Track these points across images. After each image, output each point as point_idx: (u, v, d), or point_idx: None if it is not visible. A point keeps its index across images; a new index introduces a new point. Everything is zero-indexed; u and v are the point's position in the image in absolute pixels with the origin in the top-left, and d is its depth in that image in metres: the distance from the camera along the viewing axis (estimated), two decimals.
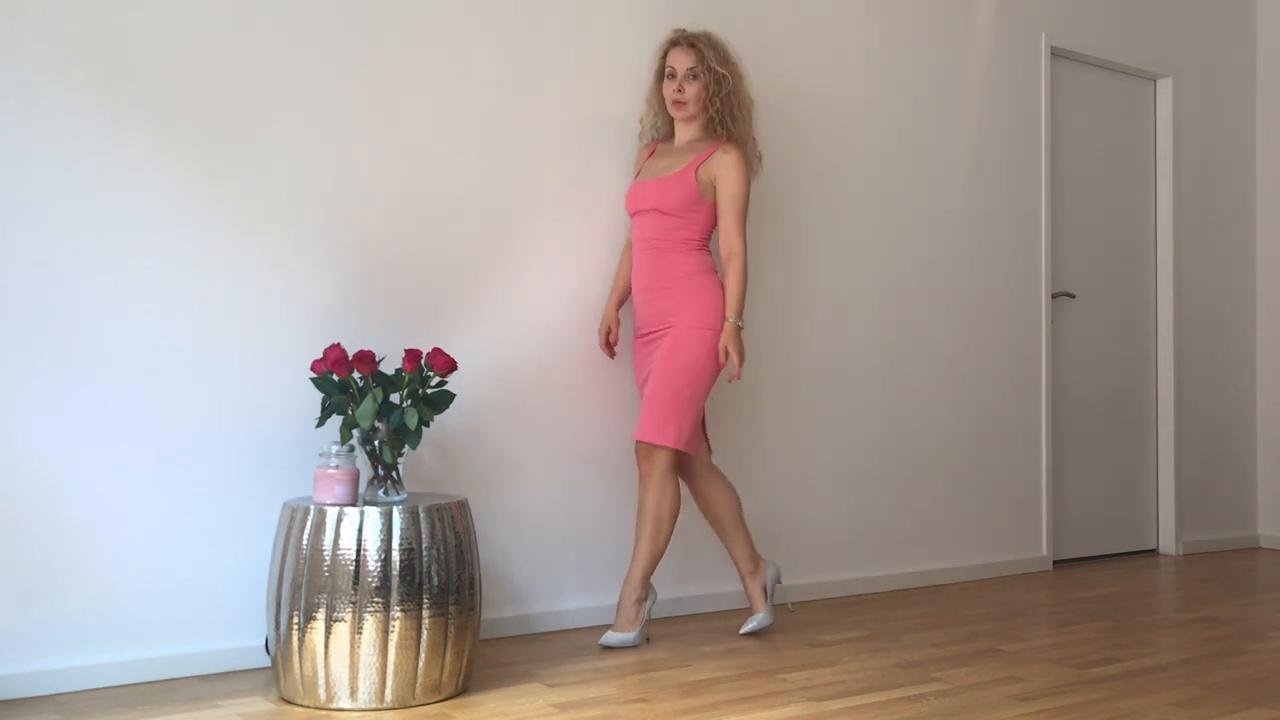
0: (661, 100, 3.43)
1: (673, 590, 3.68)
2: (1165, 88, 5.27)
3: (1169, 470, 5.20)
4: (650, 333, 3.36)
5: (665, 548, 3.31)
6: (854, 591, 4.10)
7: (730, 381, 3.35)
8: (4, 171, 2.70)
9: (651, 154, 3.49)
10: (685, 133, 3.43)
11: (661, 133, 3.52)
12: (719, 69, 3.34)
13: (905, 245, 4.32)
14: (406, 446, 2.78)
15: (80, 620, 2.76)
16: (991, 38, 4.61)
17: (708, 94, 3.34)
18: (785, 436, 3.97)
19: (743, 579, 3.46)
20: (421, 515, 2.65)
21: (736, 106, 3.38)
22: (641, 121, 3.56)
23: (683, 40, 3.37)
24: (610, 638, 3.22)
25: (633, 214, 3.43)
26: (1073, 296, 4.94)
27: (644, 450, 3.26)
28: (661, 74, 3.42)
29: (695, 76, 3.33)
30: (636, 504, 3.35)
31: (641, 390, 3.38)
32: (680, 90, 3.34)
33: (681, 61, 3.34)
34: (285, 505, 2.71)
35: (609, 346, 3.51)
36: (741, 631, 3.38)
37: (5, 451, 2.69)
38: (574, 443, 3.51)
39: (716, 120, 3.37)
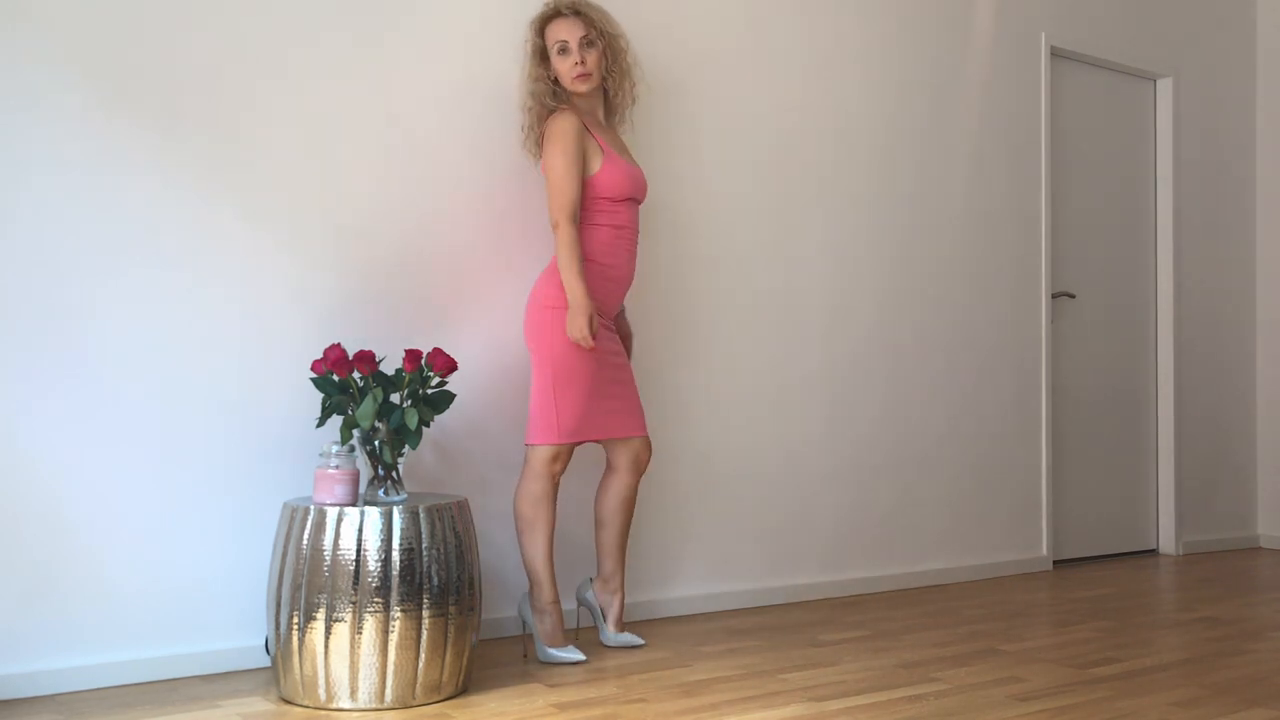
0: (549, 80, 3.17)
1: (673, 590, 3.68)
2: (1165, 88, 5.28)
3: (1169, 470, 5.21)
4: (608, 320, 3.18)
5: None
6: (854, 591, 4.10)
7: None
8: (4, 172, 2.70)
9: (588, 128, 3.16)
10: (585, 106, 3.22)
11: (548, 110, 3.19)
12: (611, 32, 3.21)
13: (905, 245, 4.32)
14: (406, 446, 2.78)
15: (80, 620, 2.76)
16: (991, 38, 4.61)
17: (607, 60, 3.20)
18: (785, 436, 3.97)
19: (602, 586, 3.25)
20: (421, 515, 2.65)
21: (628, 74, 3.28)
22: (526, 122, 3.22)
23: (565, 10, 3.17)
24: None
25: (626, 200, 3.17)
26: (1073, 296, 4.94)
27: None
28: (543, 53, 3.17)
29: (591, 44, 3.15)
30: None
31: (601, 376, 3.10)
32: (581, 61, 3.12)
33: (572, 31, 3.13)
34: (285, 505, 2.71)
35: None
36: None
37: (5, 451, 2.69)
38: None
39: (613, 91, 3.26)
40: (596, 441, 3.16)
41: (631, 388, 3.21)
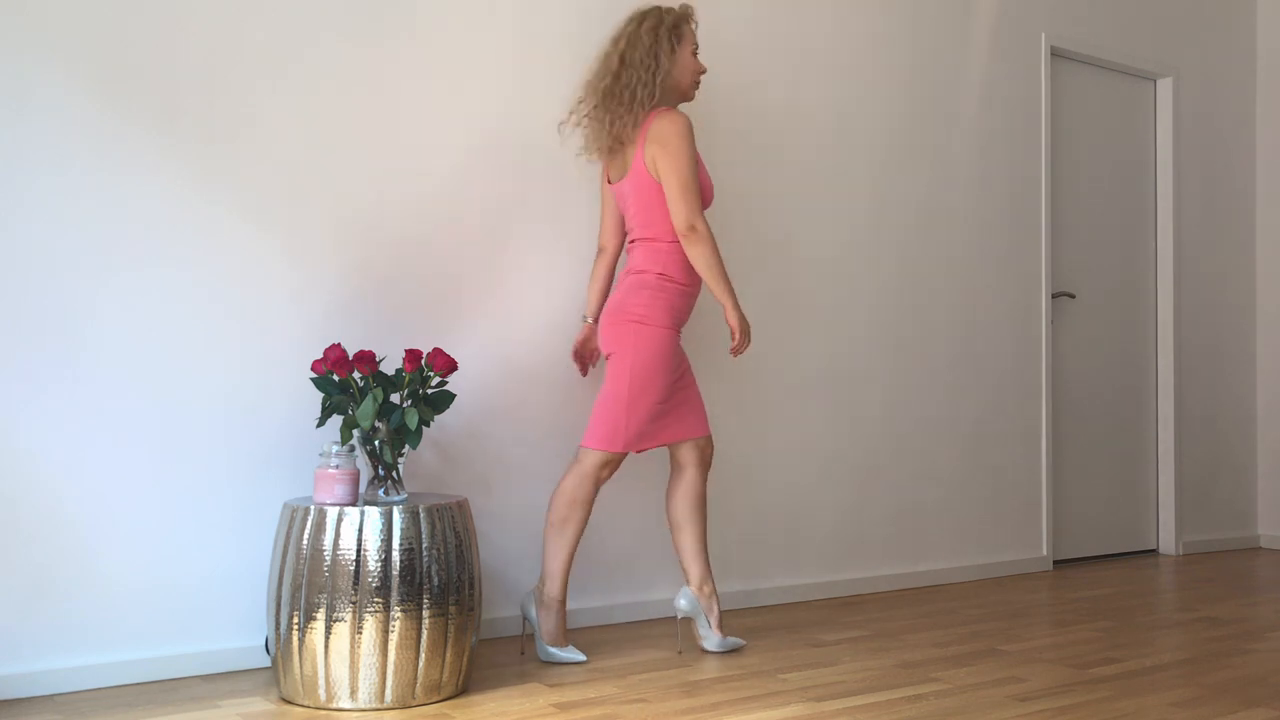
0: (675, 76, 3.15)
1: (672, 590, 3.68)
2: (1165, 88, 5.28)
3: (1169, 470, 5.21)
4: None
5: None
6: (854, 591, 4.10)
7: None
8: (4, 172, 2.70)
9: None
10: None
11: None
12: None
13: (905, 245, 4.32)
14: (407, 446, 2.78)
15: (80, 620, 2.76)
16: (991, 38, 4.61)
17: None
18: (785, 436, 3.97)
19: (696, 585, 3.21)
20: (421, 515, 2.65)
21: None
22: (628, 106, 3.10)
23: (693, 19, 3.22)
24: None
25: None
26: (1073, 296, 4.94)
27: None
28: (677, 46, 3.15)
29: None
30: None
31: (672, 386, 3.12)
32: (703, 70, 3.21)
33: (696, 39, 3.21)
34: (285, 505, 2.71)
35: None
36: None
37: (5, 451, 2.69)
38: (574, 443, 3.50)
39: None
40: (658, 446, 3.14)
41: (696, 388, 3.21)
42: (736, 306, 3.07)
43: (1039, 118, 4.74)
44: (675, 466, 3.21)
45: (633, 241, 3.17)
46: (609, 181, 3.24)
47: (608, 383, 3.09)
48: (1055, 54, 4.88)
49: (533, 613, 3.09)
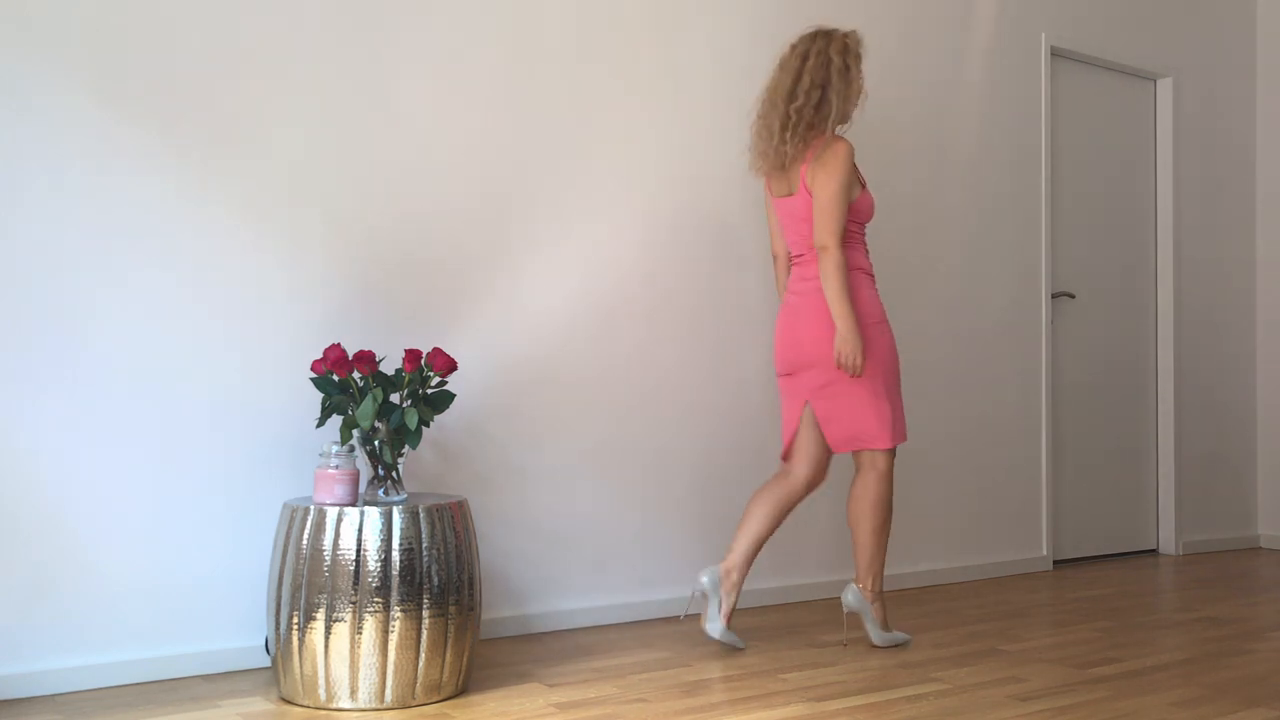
0: (854, 100, 3.26)
1: (673, 590, 3.68)
2: (1165, 88, 5.28)
3: (1169, 470, 5.20)
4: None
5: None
6: None
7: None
8: (4, 172, 2.70)
9: None
10: None
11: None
12: None
13: (905, 245, 4.32)
14: (406, 446, 2.78)
15: (80, 620, 2.76)
16: (991, 38, 4.61)
17: None
18: None
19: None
20: (421, 515, 2.65)
21: None
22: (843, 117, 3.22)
23: None
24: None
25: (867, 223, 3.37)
26: (1073, 296, 4.94)
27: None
28: (860, 72, 3.24)
29: None
30: (867, 504, 3.26)
31: None
32: None
33: None
34: (285, 505, 2.71)
35: None
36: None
37: (5, 451, 2.69)
38: (573, 443, 3.51)
39: None
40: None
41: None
42: (850, 330, 3.09)
43: (1039, 118, 4.74)
44: (801, 466, 3.30)
45: (800, 255, 3.25)
46: (771, 193, 3.31)
47: (860, 387, 3.16)
48: (1055, 54, 4.87)
49: (867, 606, 3.25)
